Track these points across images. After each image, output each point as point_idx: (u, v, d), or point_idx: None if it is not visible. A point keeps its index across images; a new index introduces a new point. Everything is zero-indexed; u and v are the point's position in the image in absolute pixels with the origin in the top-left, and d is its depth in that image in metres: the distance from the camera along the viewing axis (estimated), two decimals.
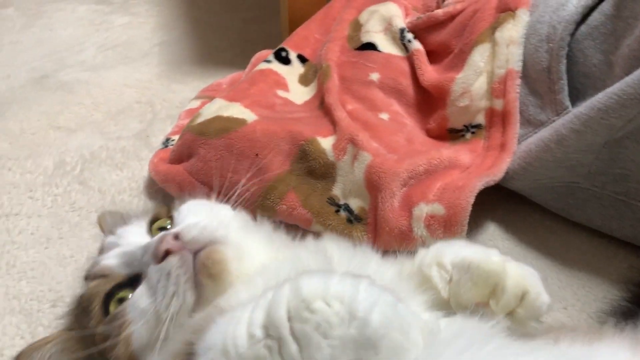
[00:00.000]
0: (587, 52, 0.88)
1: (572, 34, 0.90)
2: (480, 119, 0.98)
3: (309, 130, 0.95)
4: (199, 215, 0.66)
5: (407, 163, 0.89)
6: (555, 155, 0.85)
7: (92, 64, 1.51)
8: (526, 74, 0.95)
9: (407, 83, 1.06)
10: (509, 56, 0.96)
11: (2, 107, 1.31)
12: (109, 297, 0.63)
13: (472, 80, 0.97)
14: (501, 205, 0.95)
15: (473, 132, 0.99)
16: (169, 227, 0.68)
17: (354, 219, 0.89)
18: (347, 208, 0.90)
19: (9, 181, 1.07)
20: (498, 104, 0.96)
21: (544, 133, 0.88)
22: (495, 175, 0.89)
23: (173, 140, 1.11)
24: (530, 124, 0.94)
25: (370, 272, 0.57)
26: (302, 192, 0.91)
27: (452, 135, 1.01)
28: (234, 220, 0.69)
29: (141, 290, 0.61)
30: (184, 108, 1.26)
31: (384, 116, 1.01)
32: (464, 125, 0.99)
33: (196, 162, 0.96)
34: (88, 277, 0.67)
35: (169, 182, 0.99)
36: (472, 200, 0.83)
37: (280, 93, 1.11)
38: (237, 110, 1.01)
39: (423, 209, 0.84)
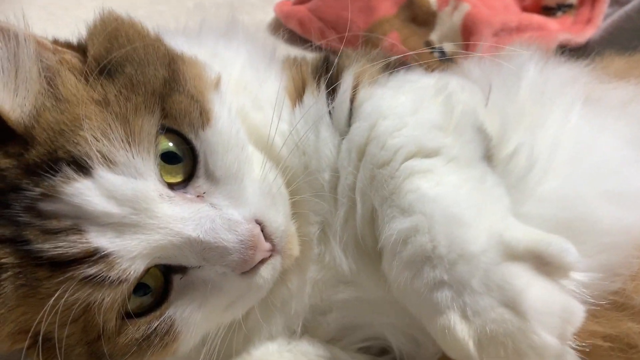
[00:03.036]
0: None
1: None
2: None
3: None
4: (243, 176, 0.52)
5: (501, 17, 1.02)
6: (635, 23, 0.96)
7: None
8: None
9: None
10: None
11: None
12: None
13: None
14: None
15: (564, 11, 1.10)
16: (180, 180, 0.50)
17: (446, 58, 1.04)
18: (441, 50, 1.05)
19: None
20: None
21: (628, 6, 0.98)
22: (577, 37, 1.00)
23: None
24: (618, 3, 1.04)
25: None
26: (403, 34, 1.07)
27: (545, 12, 1.12)
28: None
29: (195, 297, 0.51)
30: None
31: None
32: (557, 4, 1.11)
33: (317, 1, 1.14)
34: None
35: (291, 18, 1.17)
36: (552, 46, 0.95)
37: None
38: None
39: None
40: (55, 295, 0.44)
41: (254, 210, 0.50)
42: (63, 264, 0.44)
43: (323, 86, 0.58)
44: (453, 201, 0.49)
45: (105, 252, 0.45)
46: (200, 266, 0.49)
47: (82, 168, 0.45)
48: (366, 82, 0.58)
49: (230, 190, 0.51)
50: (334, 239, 0.58)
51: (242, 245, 0.47)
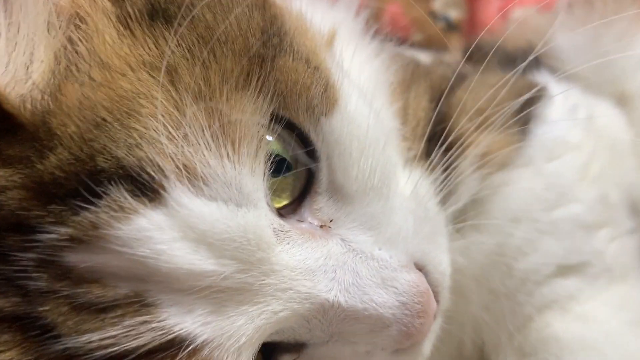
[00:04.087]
0: None
1: None
2: None
3: None
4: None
5: None
6: None
7: None
8: None
9: None
10: None
11: None
12: None
13: None
14: None
15: None
16: (287, 203, 0.31)
17: (451, 27, 0.98)
18: (446, 18, 0.99)
19: None
20: None
21: None
22: None
23: None
24: None
25: None
26: (405, 4, 1.01)
27: None
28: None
29: None
30: None
31: None
32: None
33: None
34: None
35: None
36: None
37: None
38: None
39: (518, 14, 0.92)
40: None
41: (410, 247, 0.32)
42: None
43: (439, 172, 0.38)
44: (591, 348, 0.36)
45: (195, 345, 0.25)
46: (327, 341, 0.30)
47: (147, 189, 0.25)
48: (495, 168, 0.41)
49: (370, 215, 0.32)
50: None
51: (406, 312, 0.29)
